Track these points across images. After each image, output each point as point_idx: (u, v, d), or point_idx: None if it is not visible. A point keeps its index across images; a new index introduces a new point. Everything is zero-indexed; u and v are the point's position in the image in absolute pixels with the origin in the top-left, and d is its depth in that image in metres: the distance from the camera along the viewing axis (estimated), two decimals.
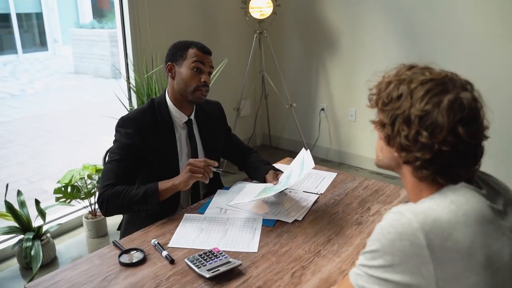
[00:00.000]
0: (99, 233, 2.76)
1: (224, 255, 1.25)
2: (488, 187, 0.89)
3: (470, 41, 2.97)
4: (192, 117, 1.70)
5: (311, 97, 3.94)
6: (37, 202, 2.41)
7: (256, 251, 1.31)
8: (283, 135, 4.25)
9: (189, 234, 1.40)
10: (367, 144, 3.66)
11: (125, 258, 1.27)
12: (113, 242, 1.37)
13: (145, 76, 2.84)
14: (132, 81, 2.99)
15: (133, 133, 1.55)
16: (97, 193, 2.67)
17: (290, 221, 1.47)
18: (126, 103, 3.05)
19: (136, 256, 1.28)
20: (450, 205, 0.78)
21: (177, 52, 1.63)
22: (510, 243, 0.80)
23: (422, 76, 0.84)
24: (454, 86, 0.82)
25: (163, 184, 1.50)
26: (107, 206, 1.50)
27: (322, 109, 3.88)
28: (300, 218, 1.49)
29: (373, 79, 0.92)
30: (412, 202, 0.85)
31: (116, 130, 1.59)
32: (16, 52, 10.77)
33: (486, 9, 2.86)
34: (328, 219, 1.49)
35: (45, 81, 8.82)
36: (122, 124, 1.57)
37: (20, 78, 9.06)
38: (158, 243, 1.34)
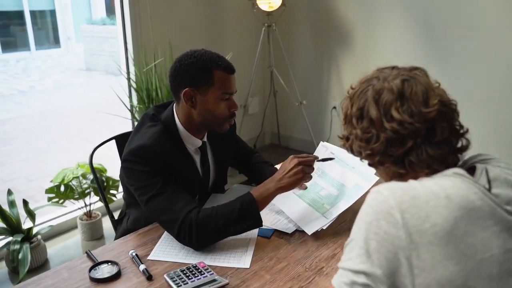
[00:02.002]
0: (94, 235, 2.61)
1: (210, 271, 1.08)
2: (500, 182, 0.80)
3: (490, 36, 2.74)
4: (205, 139, 1.45)
5: (323, 94, 3.74)
6: (25, 203, 2.26)
7: (248, 267, 1.13)
8: (293, 134, 4.06)
9: (174, 244, 1.23)
10: None
11: (96, 272, 1.10)
12: (86, 252, 1.20)
13: (144, 69, 2.68)
14: (133, 76, 2.83)
15: (158, 161, 1.26)
16: (92, 194, 2.55)
17: (290, 231, 1.28)
18: (126, 100, 2.89)
19: (109, 270, 1.11)
20: (433, 186, 0.74)
21: (198, 75, 1.29)
22: (504, 236, 0.72)
23: (360, 82, 0.88)
24: (384, 77, 0.84)
25: (260, 192, 1.24)
26: (198, 233, 1.17)
27: (334, 107, 3.69)
28: (301, 229, 1.30)
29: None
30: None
31: (135, 161, 1.26)
32: (29, 49, 10.77)
33: (508, 1, 2.63)
34: (333, 229, 1.30)
35: (55, 78, 8.76)
36: (142, 154, 1.26)
37: (32, 75, 9.03)
38: (136, 254, 1.17)
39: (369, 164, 0.89)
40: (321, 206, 1.33)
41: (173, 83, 1.33)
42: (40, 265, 2.36)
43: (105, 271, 1.11)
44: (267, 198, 1.25)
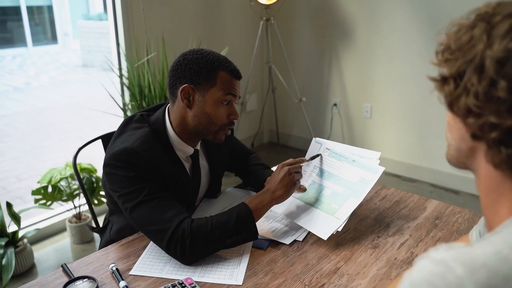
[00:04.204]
0: (84, 238, 2.50)
1: None
2: None
3: None
4: (198, 146, 1.32)
5: (323, 91, 3.63)
6: (8, 205, 2.14)
7: (241, 283, 1.01)
8: (292, 132, 3.95)
9: (159, 257, 1.11)
10: (384, 142, 3.33)
11: None
12: (62, 266, 1.09)
13: (136, 64, 2.56)
14: (125, 72, 2.71)
15: (145, 166, 1.14)
16: (81, 196, 2.44)
17: (288, 242, 1.17)
18: (119, 98, 2.77)
19: (85, 287, 1.00)
20: None
21: (200, 72, 1.17)
22: None
23: (509, 9, 0.55)
24: None
25: (255, 203, 1.15)
26: (193, 244, 1.06)
27: (335, 104, 3.57)
28: (300, 239, 1.19)
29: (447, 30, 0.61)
30: (485, 225, 0.53)
31: (118, 166, 1.14)
32: (26, 45, 10.63)
33: None
34: (335, 240, 1.18)
35: (51, 74, 8.63)
36: (126, 158, 1.13)
37: (27, 71, 8.90)
38: (116, 269, 1.05)
39: (474, 136, 0.58)
40: (328, 206, 1.21)
41: (172, 78, 1.21)
42: (27, 270, 2.25)
43: None
44: (262, 210, 1.17)
